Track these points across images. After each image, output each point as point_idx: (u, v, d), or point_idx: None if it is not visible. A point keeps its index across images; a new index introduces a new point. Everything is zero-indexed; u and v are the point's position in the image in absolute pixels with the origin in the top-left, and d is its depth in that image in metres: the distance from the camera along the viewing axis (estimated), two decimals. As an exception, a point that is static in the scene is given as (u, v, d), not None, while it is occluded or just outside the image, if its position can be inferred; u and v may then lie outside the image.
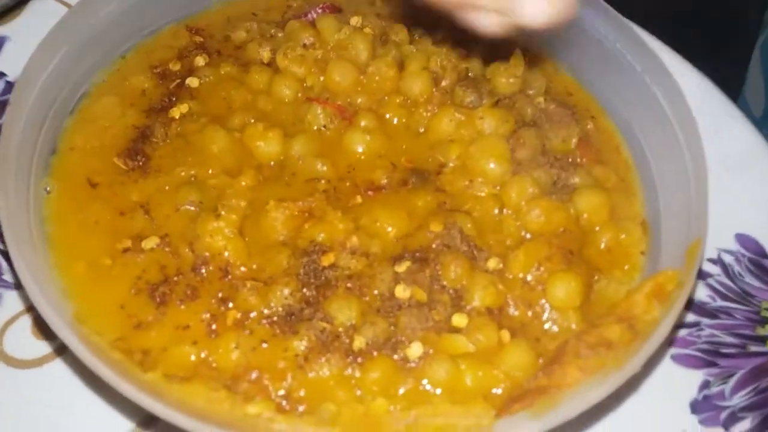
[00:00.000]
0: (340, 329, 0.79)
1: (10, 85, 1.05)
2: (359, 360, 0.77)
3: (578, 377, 0.72)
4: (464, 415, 0.72)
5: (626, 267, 0.89)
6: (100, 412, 0.81)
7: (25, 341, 0.86)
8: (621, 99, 1.03)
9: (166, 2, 1.05)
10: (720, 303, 0.98)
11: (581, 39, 1.06)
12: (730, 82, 1.19)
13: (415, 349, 0.78)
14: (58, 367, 0.84)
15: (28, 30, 1.09)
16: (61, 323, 0.69)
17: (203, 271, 0.82)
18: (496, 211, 0.90)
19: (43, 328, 0.86)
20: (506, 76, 1.01)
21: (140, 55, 1.02)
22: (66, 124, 0.94)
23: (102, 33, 0.98)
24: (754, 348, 0.94)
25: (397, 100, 0.99)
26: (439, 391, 0.76)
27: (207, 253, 0.83)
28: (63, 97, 0.94)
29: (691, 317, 0.97)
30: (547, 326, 0.82)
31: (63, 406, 0.82)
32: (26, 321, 0.88)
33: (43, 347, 0.86)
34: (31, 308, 0.87)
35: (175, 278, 0.81)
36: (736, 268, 1.01)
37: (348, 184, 0.92)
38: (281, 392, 0.75)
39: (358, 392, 0.75)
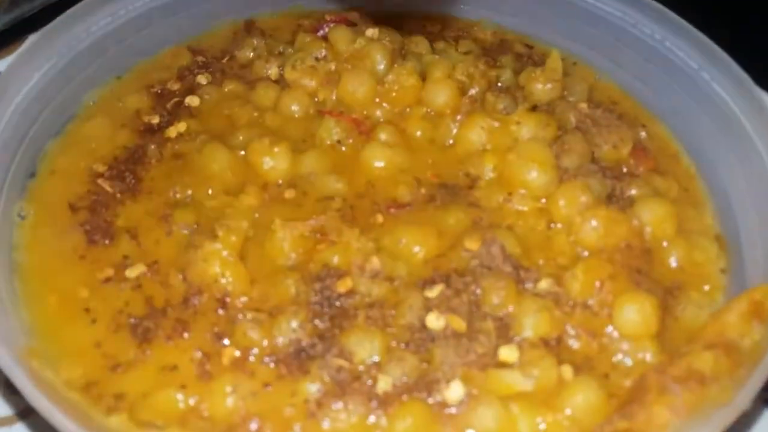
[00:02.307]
0: (361, 368, 0.65)
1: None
2: (385, 405, 0.62)
3: (668, 418, 0.56)
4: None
5: (706, 287, 0.74)
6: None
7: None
8: (675, 103, 0.91)
9: (166, 24, 0.97)
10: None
11: (623, 41, 0.95)
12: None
13: (455, 390, 0.63)
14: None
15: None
16: (6, 355, 0.55)
17: (196, 302, 0.69)
18: (543, 226, 0.76)
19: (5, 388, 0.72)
20: (542, 82, 0.89)
21: (136, 75, 0.94)
22: (48, 147, 0.84)
23: (93, 51, 0.89)
24: None
25: (420, 112, 0.87)
26: (487, 442, 0.61)
27: (201, 282, 0.70)
28: (45, 117, 0.84)
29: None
30: (617, 359, 0.67)
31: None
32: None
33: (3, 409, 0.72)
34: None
35: (163, 312, 0.68)
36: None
37: (366, 202, 0.79)
38: (288, 446, 0.60)
39: (385, 445, 0.60)
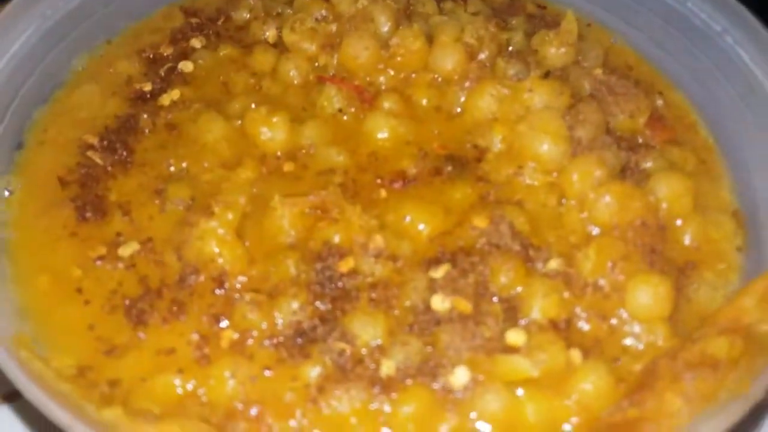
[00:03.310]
0: (364, 351, 0.63)
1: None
2: (389, 390, 0.60)
3: (680, 406, 0.54)
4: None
5: (721, 267, 0.71)
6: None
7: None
8: (694, 68, 0.87)
9: (157, -18, 0.92)
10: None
11: (640, 1, 0.90)
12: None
13: (460, 375, 0.61)
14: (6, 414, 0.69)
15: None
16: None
17: (192, 281, 0.67)
18: (555, 202, 0.73)
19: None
20: (556, 45, 0.85)
21: (126, 39, 0.90)
22: (36, 116, 0.80)
23: (80, 12, 0.85)
24: None
25: (426, 78, 0.83)
26: (490, 428, 0.59)
27: (197, 261, 0.68)
28: (32, 84, 0.81)
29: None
30: (628, 342, 0.65)
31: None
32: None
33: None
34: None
35: (158, 292, 0.66)
36: None
37: (369, 175, 0.76)
38: (288, 434, 0.58)
39: (388, 432, 0.59)
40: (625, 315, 0.66)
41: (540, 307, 0.65)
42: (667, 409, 0.55)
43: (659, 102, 0.86)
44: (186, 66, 0.85)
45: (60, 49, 0.84)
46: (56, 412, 0.51)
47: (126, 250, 0.69)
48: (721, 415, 0.53)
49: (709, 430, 0.53)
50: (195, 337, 0.64)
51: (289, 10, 0.91)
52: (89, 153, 0.76)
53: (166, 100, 0.81)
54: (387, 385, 0.61)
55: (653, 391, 0.58)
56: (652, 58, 0.91)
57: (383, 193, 0.74)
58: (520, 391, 0.61)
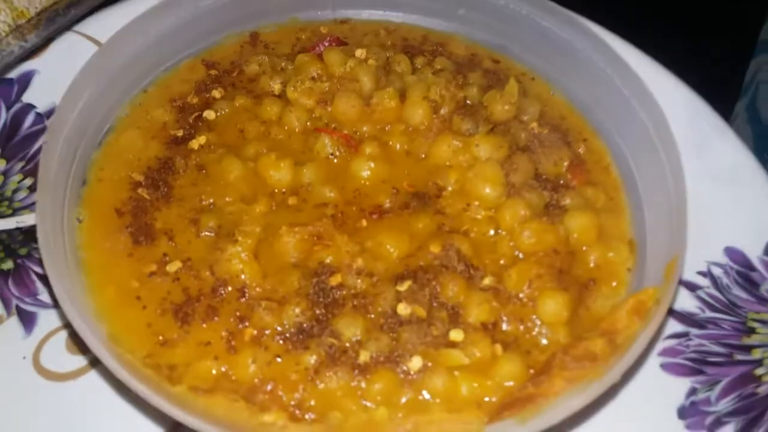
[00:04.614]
0: (347, 344, 0.86)
1: (39, 117, 1.13)
2: (364, 373, 0.84)
3: (564, 387, 0.79)
4: (457, 422, 0.79)
5: (614, 284, 0.95)
6: (131, 420, 0.88)
7: (60, 356, 0.94)
8: (611, 121, 1.09)
9: (182, 37, 1.12)
10: (709, 314, 1.04)
11: (574, 64, 1.12)
12: (720, 99, 1.24)
13: (416, 363, 0.84)
14: (92, 379, 0.92)
15: (55, 63, 1.16)
16: (97, 344, 0.77)
17: (222, 292, 0.90)
18: (492, 232, 0.96)
19: (77, 344, 0.94)
20: (502, 104, 1.07)
21: (160, 89, 1.10)
22: (94, 157, 1.01)
23: (125, 70, 1.06)
24: (739, 357, 1.00)
25: (400, 128, 1.05)
26: (437, 400, 0.84)
27: (226, 276, 0.90)
28: (91, 131, 1.01)
29: (680, 327, 1.03)
30: (537, 339, 0.89)
31: (96, 416, 0.89)
32: (61, 337, 0.95)
33: (77, 361, 0.93)
34: (66, 325, 0.95)
35: (197, 299, 0.89)
36: (725, 280, 1.06)
37: (354, 208, 0.98)
38: (293, 402, 0.82)
39: (364, 402, 0.83)
40: (536, 319, 0.89)
41: (475, 313, 0.88)
42: (555, 389, 0.80)
43: (581, 149, 1.09)
44: (209, 114, 1.05)
45: (110, 100, 1.05)
46: (144, 390, 0.75)
47: (172, 267, 0.90)
48: (587, 392, 0.78)
49: (579, 402, 0.78)
50: (225, 333, 0.86)
51: (290, 66, 1.12)
52: (139, 190, 0.97)
53: (195, 144, 1.02)
54: (363, 369, 0.83)
55: (549, 376, 0.82)
56: (582, 108, 1.11)
57: (364, 222, 0.96)
58: (457, 374, 0.84)
